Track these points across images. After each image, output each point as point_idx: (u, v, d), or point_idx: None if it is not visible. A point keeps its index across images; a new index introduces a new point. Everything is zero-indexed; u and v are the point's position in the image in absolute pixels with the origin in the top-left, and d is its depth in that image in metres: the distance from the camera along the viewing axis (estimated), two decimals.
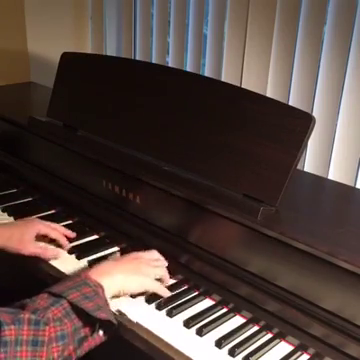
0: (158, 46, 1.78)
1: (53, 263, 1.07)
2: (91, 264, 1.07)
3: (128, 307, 0.94)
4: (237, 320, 0.95)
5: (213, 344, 0.88)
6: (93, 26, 2.00)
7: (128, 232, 1.15)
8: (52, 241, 1.13)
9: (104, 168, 1.18)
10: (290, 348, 0.89)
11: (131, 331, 0.90)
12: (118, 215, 1.16)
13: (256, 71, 1.49)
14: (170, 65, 1.74)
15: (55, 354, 0.76)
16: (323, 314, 0.86)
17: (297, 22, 1.38)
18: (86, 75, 1.29)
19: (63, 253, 1.11)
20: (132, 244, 1.13)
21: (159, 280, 0.99)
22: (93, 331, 0.82)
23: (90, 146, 1.22)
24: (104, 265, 0.93)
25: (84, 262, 1.08)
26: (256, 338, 0.90)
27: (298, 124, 0.92)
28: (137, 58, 1.85)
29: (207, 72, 1.65)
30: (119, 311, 0.93)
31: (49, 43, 1.99)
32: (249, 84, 1.51)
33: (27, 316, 0.75)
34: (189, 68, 1.69)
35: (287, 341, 0.90)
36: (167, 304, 0.96)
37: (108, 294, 0.87)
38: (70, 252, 1.11)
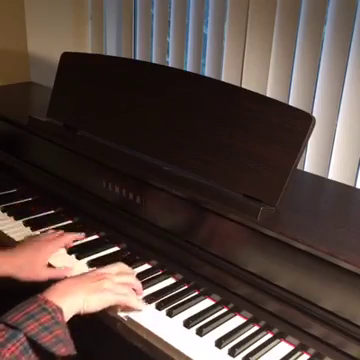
0: (158, 46, 1.78)
1: (53, 263, 1.07)
2: (91, 264, 1.07)
3: (128, 306, 0.94)
4: (237, 320, 0.95)
5: (213, 344, 0.88)
6: (93, 26, 2.00)
7: (128, 232, 1.15)
8: None
9: (104, 168, 1.18)
10: (290, 348, 0.89)
11: (131, 331, 0.90)
12: (118, 215, 1.16)
13: (256, 71, 1.49)
14: (170, 65, 1.74)
15: None
16: (323, 314, 0.86)
17: (297, 22, 1.38)
18: (86, 75, 1.29)
19: (63, 252, 1.11)
20: (132, 244, 1.13)
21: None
22: None
23: (90, 146, 1.22)
24: (65, 283, 0.88)
25: (84, 262, 1.08)
26: (256, 338, 0.90)
27: (298, 124, 0.92)
28: (137, 58, 1.85)
29: (207, 72, 1.65)
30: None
31: (49, 43, 1.99)
32: (249, 84, 1.51)
33: None
34: (189, 68, 1.69)
35: (287, 341, 0.90)
36: (167, 304, 0.96)
37: (68, 315, 0.84)
38: (70, 252, 1.11)
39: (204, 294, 1.00)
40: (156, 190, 1.07)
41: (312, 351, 0.88)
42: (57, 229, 1.19)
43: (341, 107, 1.34)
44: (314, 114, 1.17)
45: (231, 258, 0.97)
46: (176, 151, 1.08)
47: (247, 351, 0.87)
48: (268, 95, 1.44)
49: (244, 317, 0.95)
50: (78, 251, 1.11)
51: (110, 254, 1.13)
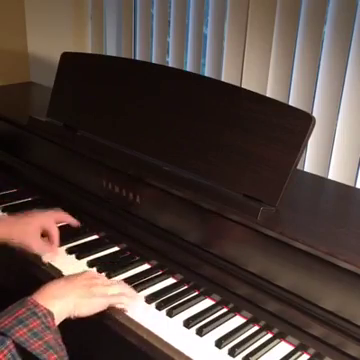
0: (158, 46, 1.78)
1: (53, 263, 1.07)
2: (91, 264, 1.07)
3: (128, 306, 0.94)
4: (237, 320, 0.95)
5: (213, 344, 0.88)
6: (93, 26, 2.00)
7: (128, 232, 1.15)
8: None
9: (104, 168, 1.18)
10: (290, 348, 0.89)
11: (131, 331, 0.90)
12: (118, 215, 1.16)
13: (256, 71, 1.49)
14: (170, 65, 1.74)
15: None
16: (323, 314, 0.86)
17: (297, 22, 1.38)
18: (86, 75, 1.29)
19: (62, 252, 1.11)
20: (132, 244, 1.13)
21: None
22: None
23: (90, 146, 1.22)
24: (55, 285, 0.87)
25: (84, 262, 1.08)
26: (256, 338, 0.90)
27: (298, 124, 0.92)
28: (137, 58, 1.85)
29: (207, 72, 1.65)
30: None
31: (49, 43, 1.99)
32: (249, 84, 1.51)
33: None
34: (189, 68, 1.69)
35: (287, 341, 0.90)
36: (167, 304, 0.96)
37: (59, 319, 0.82)
38: (70, 252, 1.11)
39: (204, 294, 1.00)
40: (156, 190, 1.07)
41: (312, 351, 0.88)
42: (57, 228, 1.20)
43: (341, 107, 1.34)
44: (314, 114, 1.17)
45: (231, 258, 0.97)
46: (176, 151, 1.08)
47: (247, 351, 0.87)
48: (268, 95, 1.44)
49: (244, 317, 0.95)
50: (78, 251, 1.11)
51: (110, 254, 1.13)
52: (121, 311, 0.92)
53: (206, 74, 1.65)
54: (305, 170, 1.42)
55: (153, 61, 1.80)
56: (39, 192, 1.34)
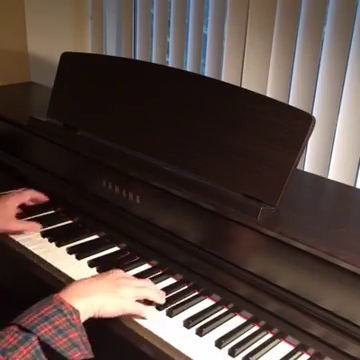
0: (158, 46, 1.78)
1: (54, 263, 1.07)
2: (91, 264, 1.07)
3: None
4: (237, 320, 0.95)
5: (213, 344, 0.88)
6: (93, 26, 2.00)
7: (128, 232, 1.15)
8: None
9: (104, 168, 1.18)
10: (290, 348, 0.89)
11: (131, 331, 0.90)
12: (118, 215, 1.16)
13: (256, 71, 1.49)
14: (170, 65, 1.74)
15: None
16: (323, 314, 0.86)
17: (297, 22, 1.38)
18: (86, 75, 1.29)
19: (63, 252, 1.11)
20: (132, 244, 1.13)
21: (150, 302, 0.94)
22: None
23: (90, 146, 1.22)
24: (82, 284, 0.87)
25: (84, 262, 1.08)
26: (256, 338, 0.90)
27: (298, 124, 0.92)
28: (137, 58, 1.85)
29: (207, 72, 1.65)
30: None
31: (49, 43, 1.99)
32: (249, 84, 1.51)
33: None
34: (189, 68, 1.69)
35: (287, 341, 0.90)
36: (167, 304, 0.96)
37: (84, 318, 0.82)
38: (70, 252, 1.11)
39: (204, 294, 1.00)
40: (156, 190, 1.07)
41: (312, 351, 0.88)
42: (57, 229, 1.20)
43: (341, 107, 1.34)
44: (314, 114, 1.17)
45: (231, 258, 0.97)
46: (176, 151, 1.08)
47: (247, 351, 0.87)
48: (268, 95, 1.44)
49: (244, 317, 0.95)
50: (78, 251, 1.11)
51: (110, 254, 1.13)
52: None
53: (206, 74, 1.65)
54: (305, 170, 1.42)
55: (153, 61, 1.80)
56: (39, 192, 1.34)
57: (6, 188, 1.38)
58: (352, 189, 1.23)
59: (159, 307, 0.95)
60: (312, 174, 1.28)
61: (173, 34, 1.71)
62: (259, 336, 0.91)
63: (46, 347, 0.75)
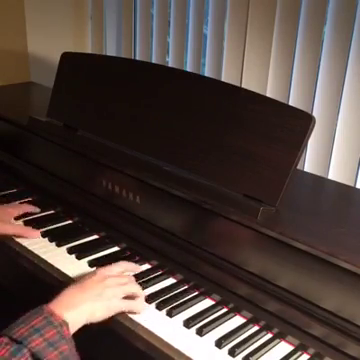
0: (158, 46, 1.78)
1: (54, 263, 1.07)
2: (91, 264, 1.07)
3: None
4: (237, 320, 0.95)
5: (213, 344, 0.88)
6: (93, 26, 2.00)
7: (128, 232, 1.15)
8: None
9: (104, 168, 1.18)
10: (290, 348, 0.89)
11: (131, 331, 0.90)
12: (118, 215, 1.16)
13: (256, 71, 1.49)
14: (170, 65, 1.74)
15: None
16: (323, 314, 0.86)
17: (297, 22, 1.38)
18: (86, 75, 1.29)
19: (63, 252, 1.11)
20: (132, 244, 1.13)
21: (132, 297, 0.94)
22: None
23: (90, 146, 1.22)
24: (68, 294, 0.86)
25: (84, 262, 1.08)
26: (256, 338, 0.90)
27: (298, 124, 0.92)
28: (137, 58, 1.85)
29: (207, 72, 1.65)
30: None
31: (49, 43, 1.99)
32: (249, 84, 1.51)
33: None
34: (189, 68, 1.69)
35: (287, 341, 0.90)
36: (167, 304, 0.96)
37: (74, 328, 0.82)
38: (70, 252, 1.11)
39: (204, 294, 1.00)
40: (156, 190, 1.07)
41: (312, 351, 0.88)
42: (57, 229, 1.20)
43: (341, 107, 1.34)
44: (314, 114, 1.17)
45: (231, 258, 0.97)
46: (176, 151, 1.08)
47: (247, 351, 0.87)
48: (268, 95, 1.44)
49: (244, 317, 0.95)
50: (78, 251, 1.11)
51: (110, 254, 1.13)
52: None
53: (206, 74, 1.65)
54: (305, 170, 1.42)
55: (153, 61, 1.80)
56: (39, 192, 1.34)
57: (6, 188, 1.39)
58: (352, 189, 1.23)
59: (159, 307, 0.95)
60: (312, 174, 1.28)
61: (173, 34, 1.71)
62: (259, 336, 0.91)
63: (37, 359, 0.74)
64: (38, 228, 1.19)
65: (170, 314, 0.94)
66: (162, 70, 1.18)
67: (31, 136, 1.37)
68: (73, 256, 1.10)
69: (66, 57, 1.33)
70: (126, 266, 1.01)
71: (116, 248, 1.15)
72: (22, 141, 1.42)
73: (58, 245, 1.13)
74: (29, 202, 1.33)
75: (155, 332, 0.89)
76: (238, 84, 1.53)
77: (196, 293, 1.01)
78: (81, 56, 1.35)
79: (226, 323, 0.94)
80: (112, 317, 0.91)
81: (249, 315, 0.95)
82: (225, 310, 0.97)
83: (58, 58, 1.34)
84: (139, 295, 0.95)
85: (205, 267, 1.01)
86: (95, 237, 1.19)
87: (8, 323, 0.78)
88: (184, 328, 0.91)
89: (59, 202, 1.29)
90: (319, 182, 1.22)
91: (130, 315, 0.92)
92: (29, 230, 1.17)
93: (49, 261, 1.07)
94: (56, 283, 1.01)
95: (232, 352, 0.86)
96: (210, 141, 1.03)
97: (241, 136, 0.99)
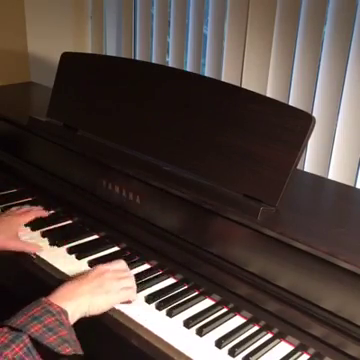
0: (158, 46, 1.78)
1: (54, 263, 1.07)
2: (91, 264, 1.07)
3: (128, 307, 0.94)
4: (237, 320, 0.95)
5: (213, 344, 0.88)
6: (93, 26, 2.00)
7: (128, 232, 1.15)
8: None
9: (104, 168, 1.18)
10: (290, 348, 0.89)
11: (131, 331, 0.90)
12: (118, 215, 1.16)
13: (256, 71, 1.50)
14: (170, 65, 1.74)
15: None
16: (323, 314, 0.86)
17: (297, 22, 1.38)
18: (86, 75, 1.29)
19: (63, 252, 1.11)
20: (132, 244, 1.13)
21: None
22: None
23: (90, 146, 1.22)
24: (68, 286, 0.89)
25: (84, 262, 1.08)
26: (256, 338, 0.90)
27: (298, 124, 0.92)
28: (137, 58, 1.86)
29: (207, 72, 1.65)
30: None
31: (49, 43, 1.99)
32: (249, 84, 1.51)
33: None
34: (189, 68, 1.69)
35: (287, 341, 0.90)
36: (167, 304, 0.96)
37: (73, 319, 0.84)
38: (70, 252, 1.11)
39: (204, 294, 1.00)
40: (156, 190, 1.07)
41: (312, 351, 0.88)
42: (57, 229, 1.20)
43: (341, 107, 1.34)
44: (314, 114, 1.17)
45: (231, 258, 0.97)
46: (176, 151, 1.08)
47: (247, 351, 0.87)
48: (268, 95, 1.44)
49: (244, 317, 0.95)
50: (78, 251, 1.11)
51: (110, 254, 1.13)
52: (121, 311, 0.92)
53: (206, 74, 1.65)
54: (305, 170, 1.42)
55: (153, 61, 1.80)
56: (39, 192, 1.34)
57: (6, 188, 1.39)
58: (352, 189, 1.23)
59: (159, 307, 0.95)
60: (312, 174, 1.28)
61: (173, 34, 1.71)
62: (259, 336, 0.91)
63: (37, 344, 0.76)
64: (38, 228, 1.19)
65: (170, 314, 0.94)
66: (162, 70, 1.18)
67: (31, 136, 1.37)
68: (73, 256, 1.10)
69: (66, 57, 1.33)
70: (125, 267, 1.01)
71: (116, 248, 1.15)
72: (22, 141, 1.42)
73: (58, 245, 1.13)
74: (29, 202, 1.33)
75: (155, 332, 0.89)
76: (238, 84, 1.53)
77: (196, 293, 1.01)
78: (81, 56, 1.35)
79: (226, 323, 0.94)
80: (112, 317, 0.91)
81: (249, 315, 0.95)
82: (225, 310, 0.97)
83: (58, 58, 1.34)
84: (133, 297, 0.96)
85: (205, 267, 1.01)
86: (95, 237, 1.19)
87: None
88: (184, 328, 0.91)
89: (59, 202, 1.29)
90: (319, 182, 1.22)
91: (130, 315, 0.92)
92: (30, 245, 1.12)
93: (49, 261, 1.07)
94: (56, 283, 1.01)
95: (232, 352, 0.86)
96: (210, 141, 1.03)
97: (241, 136, 0.99)
